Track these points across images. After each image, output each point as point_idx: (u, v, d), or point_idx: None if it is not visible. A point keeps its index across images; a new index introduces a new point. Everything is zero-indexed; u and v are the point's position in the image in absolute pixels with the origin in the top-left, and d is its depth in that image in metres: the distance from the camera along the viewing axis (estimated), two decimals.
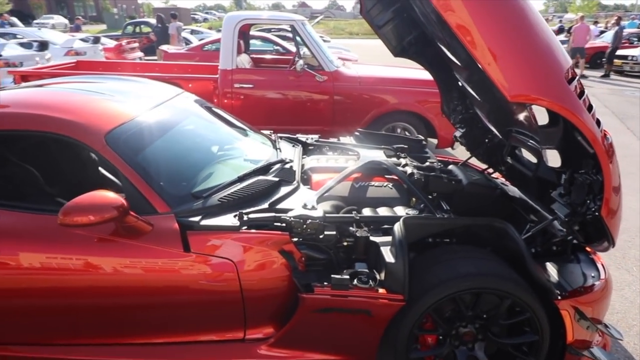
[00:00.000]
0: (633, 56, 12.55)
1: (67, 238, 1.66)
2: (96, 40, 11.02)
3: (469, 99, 2.91)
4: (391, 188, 2.26)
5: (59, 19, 39.02)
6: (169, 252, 1.67)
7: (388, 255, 1.71)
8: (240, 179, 1.99)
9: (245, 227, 1.75)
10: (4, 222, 1.70)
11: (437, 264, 1.78)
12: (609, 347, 2.03)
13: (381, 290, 1.67)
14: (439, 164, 2.74)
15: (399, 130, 4.58)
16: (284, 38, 10.32)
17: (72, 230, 1.61)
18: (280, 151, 2.54)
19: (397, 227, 1.74)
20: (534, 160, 2.28)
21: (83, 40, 10.78)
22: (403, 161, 2.58)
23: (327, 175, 2.31)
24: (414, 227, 1.79)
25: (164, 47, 9.53)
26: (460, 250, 1.85)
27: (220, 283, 1.71)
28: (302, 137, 3.00)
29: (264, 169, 2.16)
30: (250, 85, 4.33)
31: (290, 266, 1.74)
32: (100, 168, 2.27)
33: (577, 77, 1.55)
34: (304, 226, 1.76)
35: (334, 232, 1.82)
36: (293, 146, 2.72)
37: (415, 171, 2.35)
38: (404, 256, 1.65)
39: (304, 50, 4.61)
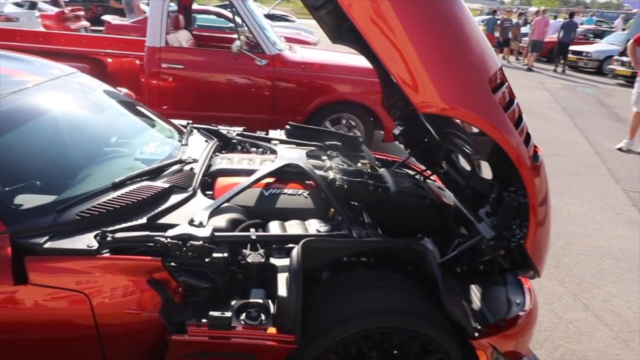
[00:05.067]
0: (587, 52, 12.80)
1: None
2: (32, 5, 10.02)
3: None
4: (306, 197, 1.98)
5: None
6: (5, 280, 1.32)
7: (282, 287, 1.43)
8: (117, 185, 1.65)
9: (107, 251, 1.42)
10: None
11: (343, 295, 1.51)
12: None
13: (271, 329, 1.39)
14: (376, 164, 2.48)
15: (343, 122, 4.30)
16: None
17: None
18: (187, 147, 2.20)
19: (295, 253, 1.47)
20: (468, 168, 2.06)
21: (17, 4, 9.77)
22: (329, 163, 2.30)
23: (236, 179, 2.00)
24: (316, 251, 1.52)
25: (108, 17, 8.77)
26: (371, 278, 1.60)
27: (69, 320, 1.38)
28: (224, 129, 2.66)
29: (155, 172, 1.82)
30: (181, 66, 3.90)
31: (162, 300, 1.43)
32: None
33: (507, 83, 1.30)
34: (184, 249, 1.44)
35: (225, 254, 1.52)
36: (206, 141, 2.37)
37: (338, 176, 2.08)
38: (297, 289, 1.38)
39: (245, 30, 4.21)
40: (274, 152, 2.33)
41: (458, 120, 1.86)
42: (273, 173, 2.00)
